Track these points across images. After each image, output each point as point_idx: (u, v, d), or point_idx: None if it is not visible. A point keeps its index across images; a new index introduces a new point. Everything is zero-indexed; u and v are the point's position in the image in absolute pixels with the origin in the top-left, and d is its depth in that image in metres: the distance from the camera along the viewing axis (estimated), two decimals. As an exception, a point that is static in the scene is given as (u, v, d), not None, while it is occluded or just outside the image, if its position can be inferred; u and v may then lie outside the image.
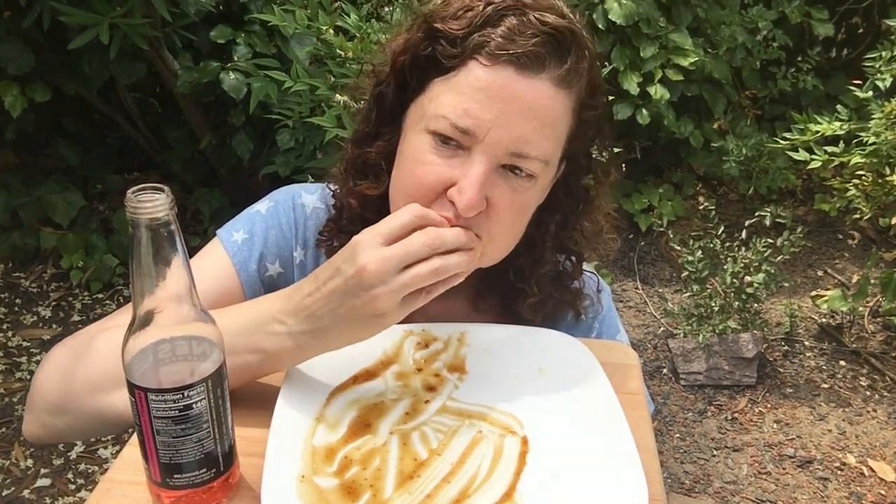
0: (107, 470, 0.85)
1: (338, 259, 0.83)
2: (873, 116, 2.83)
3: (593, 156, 1.04)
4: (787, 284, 3.28)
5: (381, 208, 1.03)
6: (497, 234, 0.93)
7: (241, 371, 0.87)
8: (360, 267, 0.80)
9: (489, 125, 0.88)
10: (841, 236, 3.93)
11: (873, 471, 2.61)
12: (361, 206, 1.03)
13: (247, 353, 0.86)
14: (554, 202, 1.02)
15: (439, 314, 1.11)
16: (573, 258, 1.09)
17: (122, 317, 0.98)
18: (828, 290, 3.45)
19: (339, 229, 1.07)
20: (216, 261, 1.06)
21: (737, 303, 3.01)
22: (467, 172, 0.89)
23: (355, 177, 1.04)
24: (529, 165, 0.91)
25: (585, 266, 1.16)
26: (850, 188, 3.05)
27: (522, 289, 1.05)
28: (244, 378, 0.89)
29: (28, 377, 2.86)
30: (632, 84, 3.42)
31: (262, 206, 1.12)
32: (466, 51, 0.89)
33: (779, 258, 2.99)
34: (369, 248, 0.81)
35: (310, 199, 1.13)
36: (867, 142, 2.83)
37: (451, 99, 0.90)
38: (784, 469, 2.63)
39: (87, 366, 0.92)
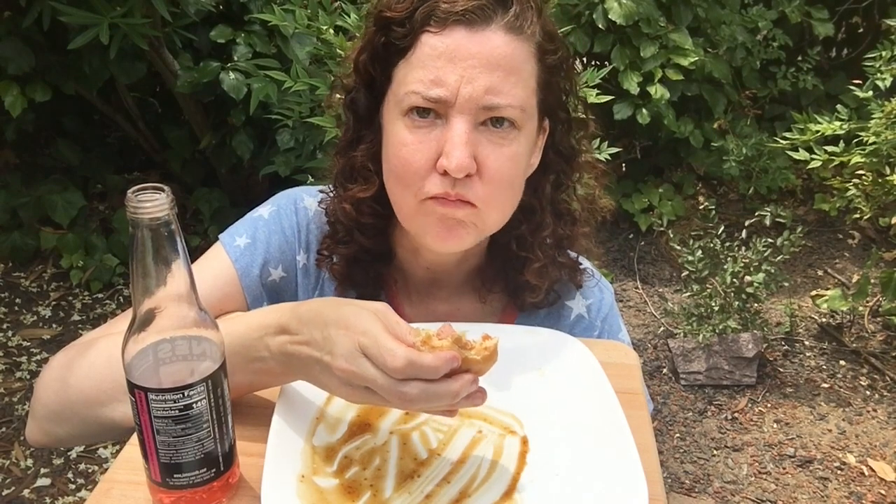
0: (107, 470, 0.85)
1: (327, 322, 0.78)
2: (873, 116, 2.83)
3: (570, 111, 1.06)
4: (787, 284, 3.28)
5: (374, 211, 1.04)
6: (493, 195, 0.95)
7: (235, 388, 0.86)
8: (329, 362, 0.77)
9: (457, 86, 0.90)
10: (841, 236, 3.93)
11: (873, 470, 2.61)
12: (356, 210, 1.04)
13: (238, 373, 0.85)
14: (546, 164, 1.05)
15: (448, 313, 1.11)
16: (570, 222, 1.10)
17: (122, 322, 0.97)
18: (828, 289, 3.45)
19: (336, 242, 1.08)
20: (218, 265, 1.06)
21: (737, 303, 3.01)
22: (449, 136, 0.91)
23: (345, 182, 1.05)
24: (506, 114, 0.93)
25: (588, 264, 1.16)
26: (850, 188, 3.06)
27: (527, 257, 1.06)
28: (240, 393, 0.89)
29: (28, 377, 2.86)
30: (632, 84, 3.42)
31: (264, 211, 1.12)
32: (416, 26, 0.92)
33: (779, 258, 2.99)
34: (346, 348, 0.76)
35: (312, 201, 1.13)
36: (867, 141, 2.84)
37: (415, 75, 0.92)
38: (784, 469, 2.63)
39: (82, 379, 0.93)
